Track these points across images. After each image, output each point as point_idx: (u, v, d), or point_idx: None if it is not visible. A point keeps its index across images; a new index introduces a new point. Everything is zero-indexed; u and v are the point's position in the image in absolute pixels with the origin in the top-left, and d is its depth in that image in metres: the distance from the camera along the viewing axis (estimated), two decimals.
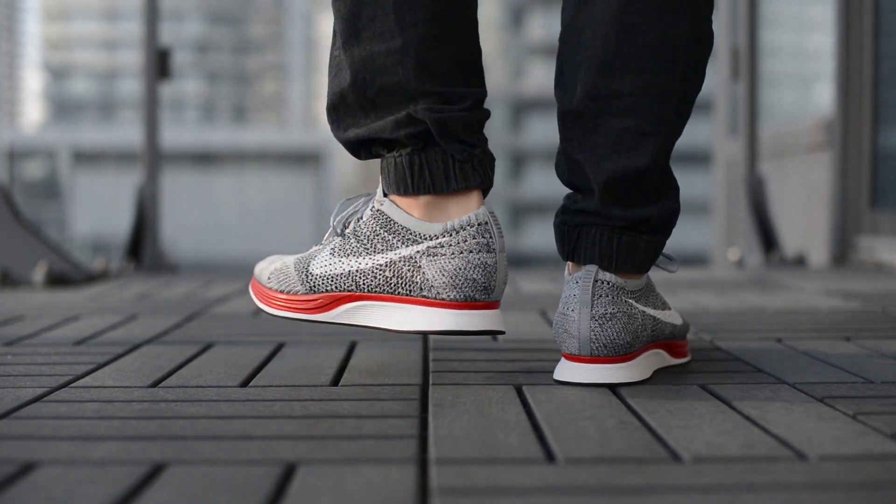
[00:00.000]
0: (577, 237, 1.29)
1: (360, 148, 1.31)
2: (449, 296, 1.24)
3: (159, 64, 3.51)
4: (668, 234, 1.31)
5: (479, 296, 1.24)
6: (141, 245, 3.40)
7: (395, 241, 1.26)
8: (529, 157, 39.90)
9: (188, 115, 53.38)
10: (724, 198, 5.62)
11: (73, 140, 43.23)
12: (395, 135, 1.25)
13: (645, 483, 0.85)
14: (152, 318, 1.95)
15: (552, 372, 1.33)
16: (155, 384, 1.28)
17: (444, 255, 1.24)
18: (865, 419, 1.06)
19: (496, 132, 39.54)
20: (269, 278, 1.36)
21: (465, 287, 1.23)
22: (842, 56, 3.75)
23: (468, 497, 0.82)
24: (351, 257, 1.28)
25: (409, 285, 1.25)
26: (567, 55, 1.29)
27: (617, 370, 1.24)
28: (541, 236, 36.80)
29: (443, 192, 1.25)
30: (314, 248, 1.35)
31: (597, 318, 1.24)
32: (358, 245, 1.28)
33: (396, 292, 1.26)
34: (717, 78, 6.03)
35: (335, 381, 1.29)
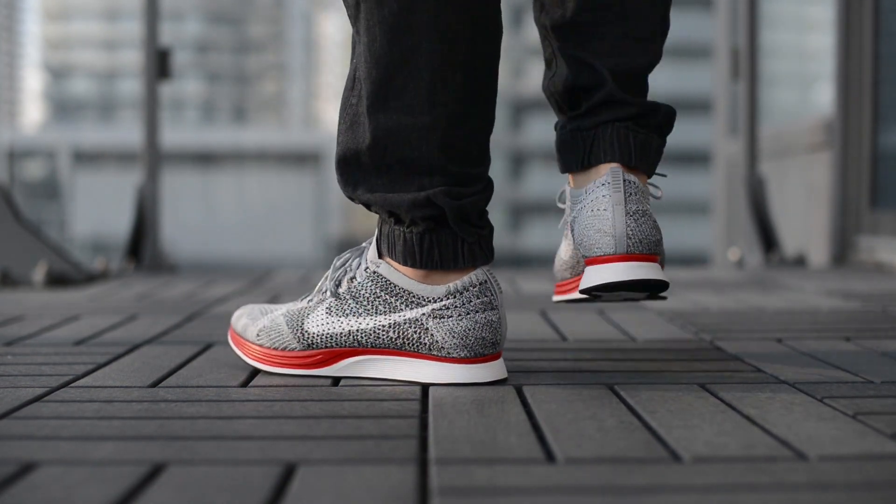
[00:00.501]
0: (592, 139, 1.33)
1: (368, 207, 1.31)
2: (460, 354, 1.25)
3: (159, 64, 3.51)
4: (666, 138, 1.38)
5: (487, 351, 1.26)
6: (141, 245, 3.40)
7: (397, 304, 1.27)
8: (529, 157, 39.90)
9: (188, 115, 53.38)
10: (724, 198, 5.62)
11: (73, 140, 43.23)
12: (411, 215, 1.25)
13: (645, 483, 0.85)
14: (152, 318, 1.95)
15: (552, 372, 1.33)
16: (155, 384, 1.28)
17: (451, 316, 1.25)
18: (865, 419, 1.06)
19: (496, 132, 39.55)
20: (258, 336, 1.34)
21: (475, 346, 1.25)
22: (842, 56, 3.75)
23: (468, 497, 0.82)
24: (350, 317, 1.29)
25: (417, 345, 1.26)
26: None
27: (651, 268, 1.27)
28: (541, 236, 36.81)
29: (449, 269, 1.26)
30: (302, 303, 1.34)
31: (631, 213, 1.27)
32: (356, 306, 1.28)
33: (403, 350, 1.27)
34: (717, 78, 6.02)
35: (335, 381, 1.29)
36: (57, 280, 2.76)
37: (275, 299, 2.31)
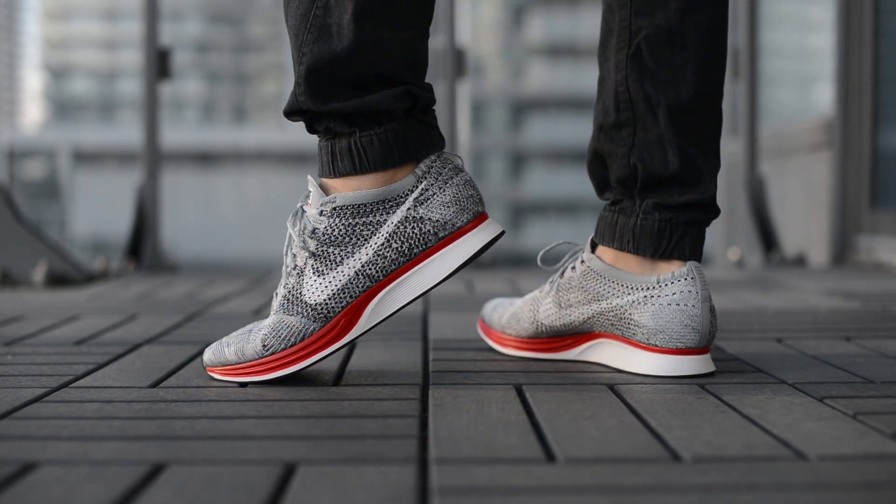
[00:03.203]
0: (681, 234, 1.36)
1: (329, 121, 1.26)
2: (463, 219, 1.26)
3: (159, 64, 3.51)
4: None
5: (482, 207, 1.28)
6: (141, 245, 3.40)
7: (377, 218, 1.25)
8: (529, 157, 39.90)
9: (188, 115, 53.38)
10: (724, 198, 5.62)
11: (73, 140, 43.22)
12: (393, 106, 1.24)
13: (645, 483, 0.85)
14: (152, 318, 1.95)
15: (552, 372, 1.33)
16: (155, 384, 1.28)
17: (435, 193, 1.25)
18: (865, 419, 1.06)
19: (496, 132, 39.55)
20: (265, 347, 1.26)
21: (470, 205, 1.27)
22: (842, 56, 3.75)
23: (468, 497, 0.82)
24: (346, 260, 1.25)
25: (422, 239, 1.25)
26: (665, 55, 1.35)
27: (709, 358, 1.34)
28: (541, 236, 36.80)
29: (421, 158, 1.26)
30: (280, 294, 1.28)
31: (711, 310, 1.32)
32: (340, 249, 1.25)
33: (413, 255, 1.25)
34: None
35: (335, 381, 1.29)
36: (57, 280, 2.76)
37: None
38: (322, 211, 1.26)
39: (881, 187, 3.63)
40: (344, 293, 1.25)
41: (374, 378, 1.31)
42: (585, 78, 37.77)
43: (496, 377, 1.30)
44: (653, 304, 1.31)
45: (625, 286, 1.34)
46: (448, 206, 1.25)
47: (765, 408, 1.12)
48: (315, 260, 1.26)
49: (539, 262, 1.44)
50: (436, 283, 1.26)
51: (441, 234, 1.25)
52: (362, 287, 1.25)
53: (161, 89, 3.56)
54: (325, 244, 1.25)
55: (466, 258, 1.25)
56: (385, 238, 1.24)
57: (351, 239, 1.25)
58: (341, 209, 1.25)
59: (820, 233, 4.05)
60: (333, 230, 1.25)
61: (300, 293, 1.26)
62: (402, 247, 1.25)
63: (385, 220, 1.25)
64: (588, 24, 38.34)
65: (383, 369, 1.37)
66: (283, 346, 1.26)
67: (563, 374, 1.32)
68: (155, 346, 1.59)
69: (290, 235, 1.28)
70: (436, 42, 3.74)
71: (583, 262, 1.39)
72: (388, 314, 1.26)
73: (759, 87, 3.92)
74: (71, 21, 54.56)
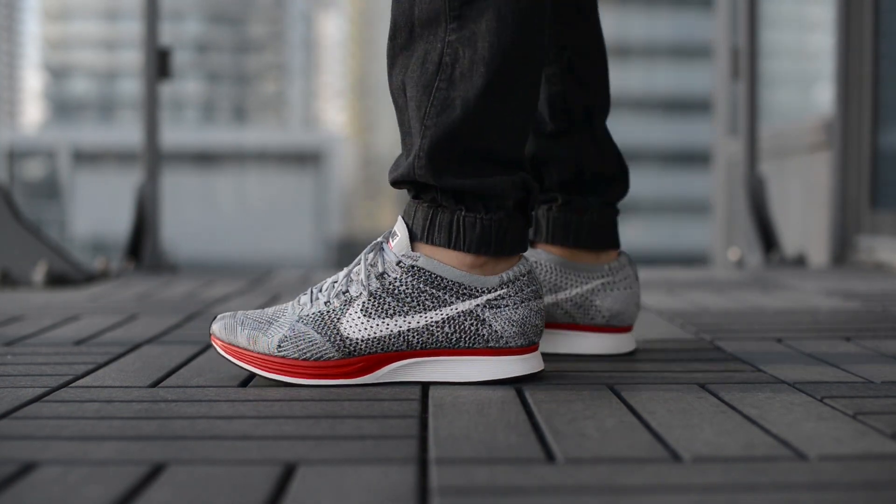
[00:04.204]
0: (614, 222, 1.51)
1: (439, 194, 1.26)
2: (518, 343, 1.26)
3: (159, 64, 3.51)
4: None
5: (538, 338, 1.29)
6: (141, 245, 3.40)
7: (447, 297, 1.25)
8: None
9: (188, 115, 53.38)
10: (724, 198, 5.62)
11: (73, 140, 43.24)
12: (506, 198, 1.26)
13: (645, 483, 0.85)
14: (152, 318, 1.95)
15: (552, 372, 1.33)
16: (155, 384, 1.28)
17: (508, 305, 1.25)
18: (865, 419, 1.06)
19: None
20: (280, 348, 1.25)
21: (531, 333, 1.27)
22: (842, 56, 3.75)
23: (468, 497, 0.82)
24: (396, 317, 1.24)
25: (474, 339, 1.25)
26: (591, 66, 1.53)
27: None
28: None
29: (510, 255, 1.27)
30: (314, 305, 1.27)
31: None
32: (398, 304, 1.24)
33: (458, 346, 1.25)
34: (717, 78, 6.02)
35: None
36: (57, 280, 2.76)
37: (275, 299, 2.31)
38: (400, 262, 1.26)
39: (881, 187, 3.63)
40: (378, 343, 1.25)
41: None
42: None
43: None
44: (612, 290, 1.45)
45: (583, 276, 1.45)
46: (513, 325, 1.25)
47: (765, 408, 1.12)
48: (370, 299, 1.25)
49: None
50: (461, 381, 1.26)
51: (492, 345, 1.26)
52: (396, 346, 1.25)
53: (161, 89, 3.56)
54: (387, 292, 1.25)
55: (500, 377, 1.26)
56: (441, 319, 1.25)
57: (412, 301, 1.25)
58: (419, 270, 1.25)
59: (820, 233, 4.05)
60: (401, 285, 1.25)
61: (338, 320, 1.25)
62: (453, 334, 1.25)
63: (452, 302, 1.25)
64: None
65: None
66: (296, 355, 1.25)
67: (563, 374, 1.32)
68: (155, 346, 1.59)
69: (361, 263, 1.27)
70: None
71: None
72: (404, 380, 1.27)
73: (759, 87, 3.92)
74: (71, 21, 54.58)
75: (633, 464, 0.91)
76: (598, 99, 1.50)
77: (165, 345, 1.61)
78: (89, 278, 2.88)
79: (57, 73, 54.42)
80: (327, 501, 0.81)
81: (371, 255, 1.27)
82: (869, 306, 2.14)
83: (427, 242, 1.26)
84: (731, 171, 4.05)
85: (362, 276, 1.26)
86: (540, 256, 1.46)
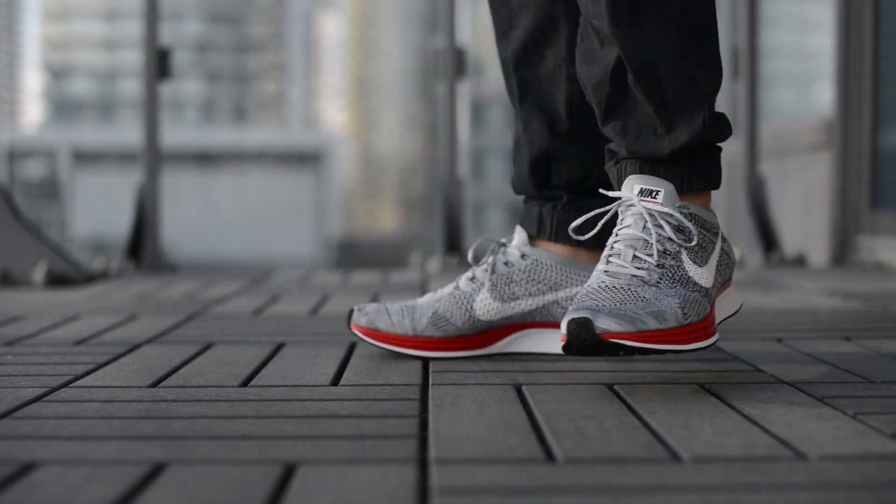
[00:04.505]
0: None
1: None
2: None
3: (159, 64, 3.51)
4: None
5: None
6: (141, 245, 3.40)
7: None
8: None
9: (188, 115, 53.36)
10: (725, 198, 5.62)
11: (73, 140, 43.22)
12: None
13: (645, 483, 0.85)
14: (152, 318, 1.95)
15: (552, 372, 1.33)
16: (155, 384, 1.28)
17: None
18: (865, 419, 1.06)
19: (496, 132, 39.55)
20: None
21: None
22: (842, 56, 3.74)
23: (468, 497, 0.82)
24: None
25: None
26: None
27: None
28: None
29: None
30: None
31: None
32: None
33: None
34: None
35: (335, 381, 1.29)
36: (57, 280, 2.76)
37: (275, 299, 2.31)
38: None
39: (881, 187, 3.63)
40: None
41: (374, 378, 1.31)
42: None
43: (496, 377, 1.30)
44: None
45: (583, 275, 1.46)
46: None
47: (765, 408, 1.12)
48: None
49: (471, 260, 1.51)
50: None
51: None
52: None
53: (161, 89, 3.56)
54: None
55: None
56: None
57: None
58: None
59: (820, 233, 4.05)
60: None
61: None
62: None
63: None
64: None
65: (383, 369, 1.37)
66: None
67: (563, 374, 1.32)
68: (155, 346, 1.59)
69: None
70: (436, 42, 3.74)
71: (524, 256, 1.48)
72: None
73: (759, 87, 3.92)
74: (71, 21, 54.56)
75: (633, 464, 0.91)
76: None
77: (165, 345, 1.61)
78: (89, 278, 2.88)
79: (57, 73, 54.40)
80: (327, 501, 0.81)
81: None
82: (869, 306, 2.14)
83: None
84: (731, 171, 4.04)
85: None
86: (541, 255, 1.47)
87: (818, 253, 3.96)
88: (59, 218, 41.86)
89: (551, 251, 1.49)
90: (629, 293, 1.22)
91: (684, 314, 1.22)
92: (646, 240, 1.27)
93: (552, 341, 1.46)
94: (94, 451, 0.95)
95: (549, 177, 1.52)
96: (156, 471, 0.89)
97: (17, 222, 2.90)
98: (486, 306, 1.46)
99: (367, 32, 56.14)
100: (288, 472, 0.88)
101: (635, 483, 0.85)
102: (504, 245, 1.50)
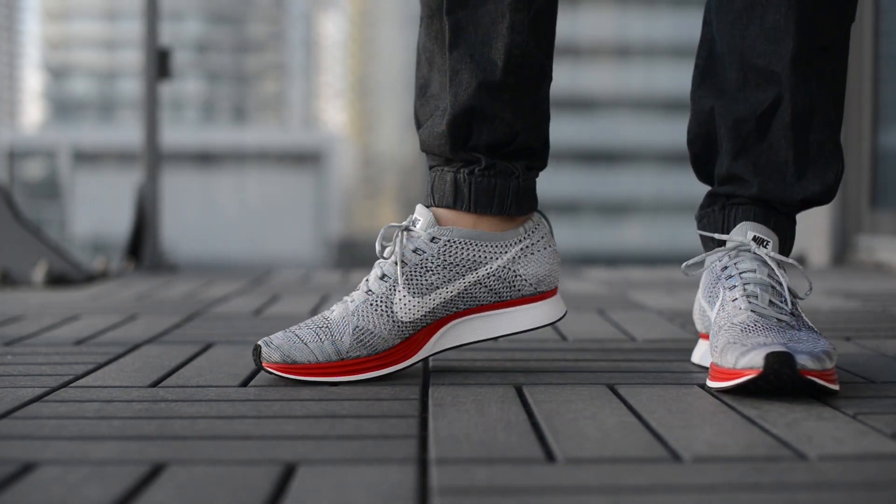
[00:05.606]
0: (535, 189, 1.42)
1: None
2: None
3: (159, 64, 3.51)
4: None
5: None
6: (141, 245, 3.41)
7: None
8: None
9: (188, 115, 53.37)
10: None
11: (73, 140, 43.25)
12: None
13: (645, 483, 0.85)
14: (152, 318, 1.95)
15: (552, 372, 1.33)
16: (155, 384, 1.28)
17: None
18: (865, 419, 1.06)
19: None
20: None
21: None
22: None
23: (468, 497, 0.82)
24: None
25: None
26: None
27: None
28: None
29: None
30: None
31: None
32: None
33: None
34: None
35: (335, 381, 1.29)
36: (57, 280, 2.76)
37: (275, 299, 2.31)
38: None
39: (881, 187, 3.63)
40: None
41: (374, 378, 1.31)
42: (585, 78, 37.77)
43: (496, 377, 1.30)
44: (532, 253, 1.36)
45: (500, 245, 1.34)
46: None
47: (765, 408, 1.12)
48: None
49: (378, 252, 1.34)
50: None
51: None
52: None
53: (161, 89, 3.56)
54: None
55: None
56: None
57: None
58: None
59: (820, 233, 4.04)
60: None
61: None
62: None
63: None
64: (588, 25, 38.34)
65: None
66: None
67: (563, 374, 1.32)
68: (155, 346, 1.59)
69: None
70: None
71: (434, 239, 1.32)
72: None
73: None
74: (71, 21, 54.57)
75: (633, 464, 0.91)
76: (549, 62, 1.37)
77: (165, 345, 1.61)
78: (89, 278, 2.88)
79: (57, 73, 54.41)
80: (327, 501, 0.81)
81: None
82: (869, 306, 2.14)
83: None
84: None
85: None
86: (452, 234, 1.32)
87: (818, 253, 3.96)
88: (59, 218, 41.87)
89: (462, 226, 1.34)
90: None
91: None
92: (773, 286, 1.33)
93: (483, 327, 1.34)
94: (94, 451, 0.96)
95: (469, 136, 1.34)
96: (156, 471, 0.89)
97: (17, 222, 2.90)
98: (405, 305, 1.30)
99: (367, 32, 56.14)
100: (288, 472, 0.88)
101: (635, 483, 0.85)
102: (409, 230, 1.33)
